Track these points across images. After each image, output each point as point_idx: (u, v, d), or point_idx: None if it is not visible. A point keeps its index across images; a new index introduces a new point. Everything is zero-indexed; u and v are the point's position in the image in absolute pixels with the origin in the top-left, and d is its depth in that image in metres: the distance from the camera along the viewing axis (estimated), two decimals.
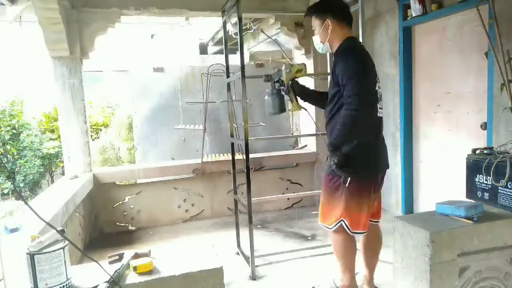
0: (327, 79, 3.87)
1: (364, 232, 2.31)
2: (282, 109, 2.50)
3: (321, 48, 2.38)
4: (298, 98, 2.52)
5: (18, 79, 8.37)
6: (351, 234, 2.28)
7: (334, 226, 2.29)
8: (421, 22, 3.63)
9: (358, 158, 2.19)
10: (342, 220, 2.26)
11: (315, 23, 2.32)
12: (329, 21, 2.24)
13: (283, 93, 2.48)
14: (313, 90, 2.68)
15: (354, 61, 2.12)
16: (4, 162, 6.35)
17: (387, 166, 2.39)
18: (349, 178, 2.20)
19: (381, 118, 2.29)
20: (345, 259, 2.36)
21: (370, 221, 2.37)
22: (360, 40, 2.99)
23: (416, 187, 4.02)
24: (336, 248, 2.38)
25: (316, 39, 2.36)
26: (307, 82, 3.96)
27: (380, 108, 2.24)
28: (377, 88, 2.22)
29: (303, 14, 2.55)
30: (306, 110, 2.57)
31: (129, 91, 5.19)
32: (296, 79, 2.51)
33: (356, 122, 2.06)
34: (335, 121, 2.24)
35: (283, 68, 2.46)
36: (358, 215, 2.25)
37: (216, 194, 4.57)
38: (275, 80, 2.49)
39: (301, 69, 2.47)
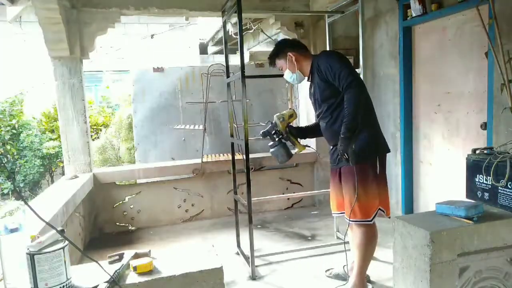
0: None
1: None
2: (289, 154, 2.63)
3: (294, 78, 2.56)
4: (299, 139, 2.69)
5: (18, 79, 8.37)
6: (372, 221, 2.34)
7: (373, 217, 2.33)
8: (421, 22, 3.63)
9: (372, 143, 2.31)
10: (379, 208, 2.32)
11: (280, 62, 2.55)
12: (290, 53, 2.49)
13: (284, 141, 2.63)
14: (306, 126, 2.86)
15: (337, 58, 2.30)
16: (4, 162, 6.35)
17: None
18: (377, 164, 2.30)
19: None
20: (369, 252, 2.39)
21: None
22: (360, 40, 2.99)
23: (416, 187, 4.02)
24: (362, 241, 2.37)
25: (287, 74, 2.56)
26: None
27: None
28: None
29: (303, 14, 2.60)
30: (309, 147, 2.81)
31: (129, 91, 5.19)
32: (290, 124, 2.67)
33: (359, 98, 2.19)
34: (336, 124, 2.35)
35: (275, 120, 2.62)
36: (388, 198, 2.37)
37: (216, 194, 4.57)
38: (272, 132, 2.63)
39: (292, 114, 2.66)
